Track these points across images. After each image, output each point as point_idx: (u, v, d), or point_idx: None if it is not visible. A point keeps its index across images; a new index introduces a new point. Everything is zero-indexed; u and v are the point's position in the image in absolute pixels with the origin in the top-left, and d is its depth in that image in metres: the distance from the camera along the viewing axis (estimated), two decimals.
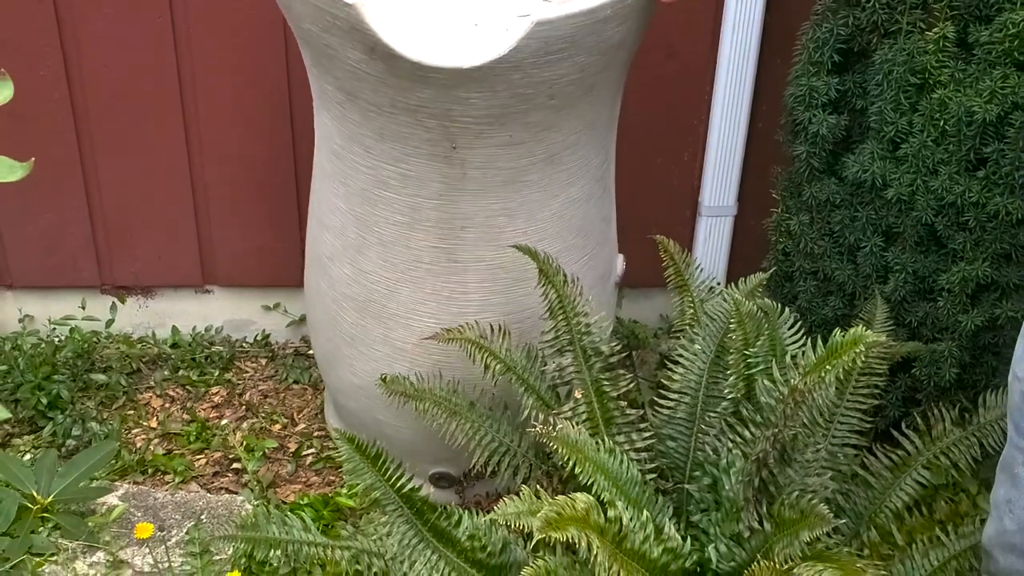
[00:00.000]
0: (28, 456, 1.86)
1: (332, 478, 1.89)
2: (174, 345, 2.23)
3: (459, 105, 1.37)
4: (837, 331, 1.13)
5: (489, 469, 1.52)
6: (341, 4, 1.29)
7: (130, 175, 2.10)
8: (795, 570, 1.09)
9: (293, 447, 1.98)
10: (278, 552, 1.34)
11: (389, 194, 1.52)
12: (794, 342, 1.34)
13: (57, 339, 2.15)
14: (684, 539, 1.26)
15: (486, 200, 1.51)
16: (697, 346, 1.40)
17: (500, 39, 1.31)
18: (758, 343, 1.29)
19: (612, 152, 1.69)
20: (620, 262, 1.84)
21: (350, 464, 1.32)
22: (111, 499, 1.71)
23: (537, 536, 1.09)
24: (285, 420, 2.05)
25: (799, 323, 1.78)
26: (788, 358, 1.27)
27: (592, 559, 1.11)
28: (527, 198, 1.53)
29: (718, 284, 2.27)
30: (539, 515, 1.10)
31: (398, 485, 1.33)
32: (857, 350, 1.08)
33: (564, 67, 1.37)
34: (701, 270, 1.60)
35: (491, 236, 1.54)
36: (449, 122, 1.40)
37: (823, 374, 1.09)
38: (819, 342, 1.18)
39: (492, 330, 1.47)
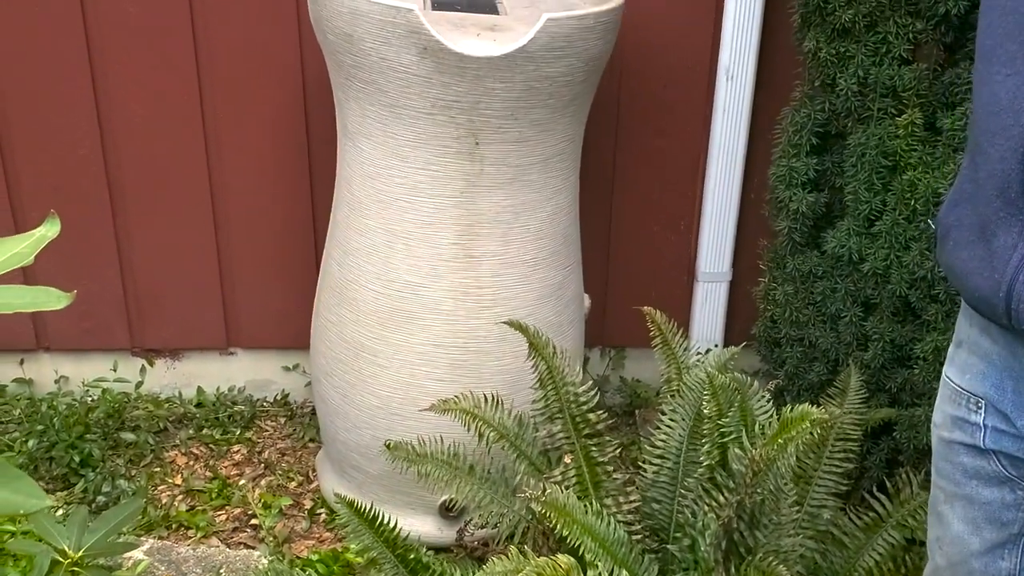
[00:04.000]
0: (61, 511, 1.99)
1: (343, 534, 2.00)
2: (199, 404, 2.36)
3: (485, 97, 1.65)
4: (787, 408, 1.23)
5: (489, 526, 1.63)
6: (403, 11, 1.58)
7: (160, 245, 2.25)
8: None
9: (308, 504, 2.09)
10: None
11: (418, 199, 1.75)
12: (764, 412, 1.43)
13: (90, 399, 2.29)
14: None
15: (497, 196, 1.77)
16: (677, 414, 1.50)
17: (520, 36, 1.62)
18: (730, 413, 1.39)
19: (578, 187, 1.95)
20: (586, 300, 2.06)
21: (349, 526, 1.43)
22: (137, 554, 1.83)
23: None
24: (301, 478, 2.17)
25: (784, 388, 1.88)
26: (757, 427, 1.36)
27: None
28: (528, 197, 1.79)
29: (715, 346, 2.39)
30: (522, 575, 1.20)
31: (395, 545, 1.44)
32: (803, 426, 1.17)
33: (561, 65, 1.67)
34: (686, 339, 1.70)
35: (500, 232, 1.79)
36: (476, 115, 1.67)
37: (776, 447, 1.19)
38: (784, 413, 1.28)
39: (486, 400, 1.58)
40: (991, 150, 0.94)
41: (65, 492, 2.06)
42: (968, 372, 1.05)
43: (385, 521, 1.46)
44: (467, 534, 1.89)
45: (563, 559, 1.27)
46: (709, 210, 2.24)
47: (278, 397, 2.41)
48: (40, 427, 2.12)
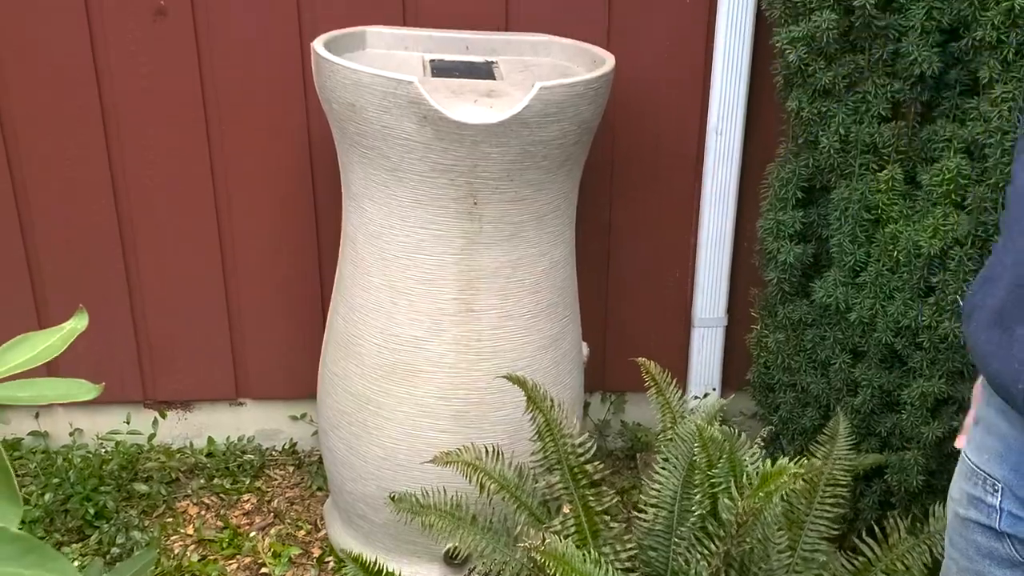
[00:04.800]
0: (76, 564, 2.04)
1: None
2: (210, 454, 2.42)
3: (483, 161, 1.73)
4: (767, 462, 1.29)
5: (493, 574, 1.68)
6: (404, 83, 1.66)
7: (172, 300, 2.32)
8: None
9: (316, 552, 2.14)
10: None
11: (420, 256, 1.83)
12: (753, 462, 1.49)
13: (104, 451, 2.35)
14: None
15: (496, 252, 1.84)
16: (671, 464, 1.56)
17: (515, 102, 1.70)
18: (719, 464, 1.45)
19: (574, 240, 2.00)
20: (585, 348, 2.13)
21: None
22: None
23: None
24: (309, 526, 2.22)
25: (779, 432, 1.93)
26: (745, 478, 1.42)
27: None
28: (525, 252, 1.87)
29: (713, 390, 2.45)
30: None
31: None
32: (781, 480, 1.23)
33: (554, 130, 1.75)
34: (680, 388, 1.76)
35: (499, 286, 1.86)
36: (474, 178, 1.75)
37: (759, 499, 1.24)
38: (768, 464, 1.34)
39: (487, 451, 1.64)
40: (1019, 238, 0.94)
41: (80, 544, 2.11)
42: (986, 452, 1.04)
43: (391, 573, 1.51)
44: None
45: None
46: (703, 259, 2.30)
47: (287, 446, 2.47)
48: (56, 480, 2.18)
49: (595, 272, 2.36)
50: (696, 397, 2.42)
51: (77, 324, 0.84)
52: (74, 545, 2.11)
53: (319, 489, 2.34)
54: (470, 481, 1.61)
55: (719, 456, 1.45)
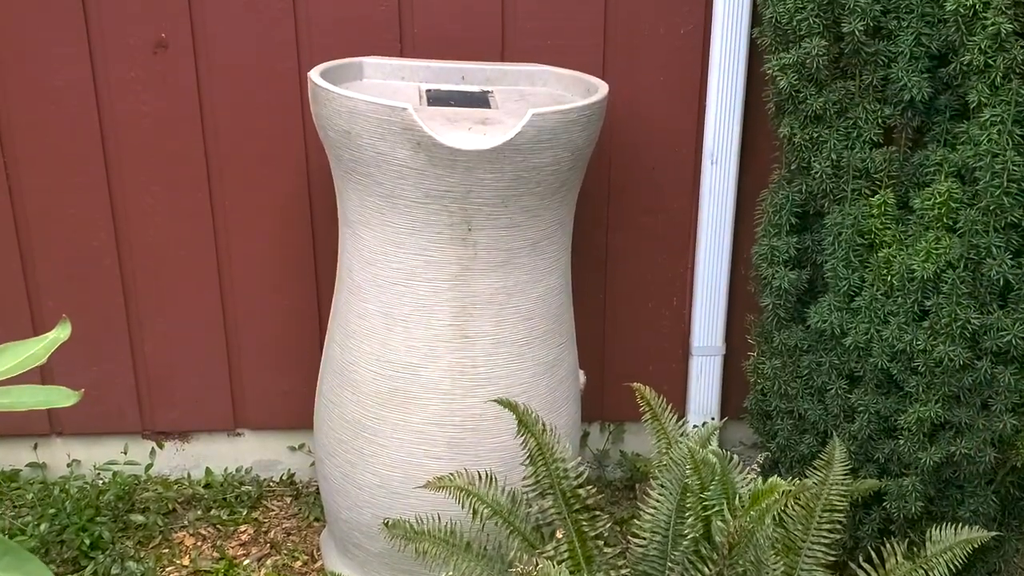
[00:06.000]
0: None
1: None
2: (207, 485, 2.41)
3: (476, 187, 1.74)
4: (758, 480, 1.28)
5: None
6: (398, 109, 1.68)
7: (170, 331, 2.33)
8: None
9: None
10: None
11: (415, 282, 1.83)
12: (747, 485, 1.48)
13: (101, 482, 2.35)
14: None
15: (491, 278, 1.84)
16: (666, 488, 1.55)
17: (508, 128, 1.72)
18: (712, 487, 1.44)
19: (569, 268, 2.01)
20: (581, 376, 2.13)
21: None
22: None
23: None
24: (306, 556, 2.21)
25: (777, 460, 1.92)
26: (738, 500, 1.41)
27: None
28: (519, 279, 1.87)
29: (711, 419, 2.44)
30: None
31: None
32: (773, 498, 1.22)
33: (548, 156, 1.76)
34: (675, 414, 1.75)
35: (493, 312, 1.86)
36: (467, 204, 1.76)
37: (750, 519, 1.23)
38: (758, 483, 1.33)
39: (480, 477, 1.63)
40: None
41: (75, 575, 2.10)
42: None
43: None
44: None
45: None
46: (700, 287, 2.31)
47: (284, 477, 2.46)
48: (52, 511, 2.18)
49: (592, 300, 2.36)
50: (696, 426, 2.41)
51: (60, 333, 0.85)
52: None
53: (316, 519, 2.33)
54: (463, 506, 1.60)
55: (712, 479, 1.44)
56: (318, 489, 2.43)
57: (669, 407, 1.77)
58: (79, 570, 2.12)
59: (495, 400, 1.63)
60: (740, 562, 1.32)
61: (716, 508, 1.41)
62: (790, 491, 1.22)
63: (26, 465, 2.40)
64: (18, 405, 0.77)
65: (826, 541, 1.65)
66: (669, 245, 2.33)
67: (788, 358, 1.97)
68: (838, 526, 1.66)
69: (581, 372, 2.13)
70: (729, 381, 2.43)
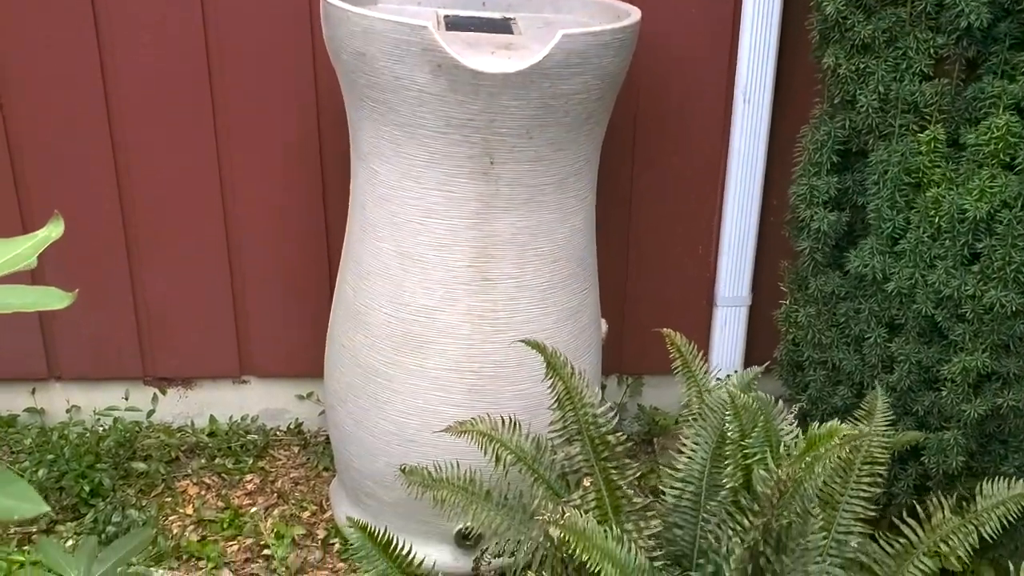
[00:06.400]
0: (71, 542, 1.95)
1: (356, 561, 1.95)
2: (211, 434, 2.32)
3: (500, 115, 1.63)
4: (814, 424, 1.19)
5: (507, 555, 1.58)
6: (417, 28, 1.56)
7: (173, 273, 2.23)
8: None
9: (321, 534, 2.05)
10: None
11: (433, 220, 1.73)
12: (789, 433, 1.39)
13: (101, 428, 2.26)
14: None
15: (513, 217, 1.74)
16: (700, 437, 1.46)
17: (534, 53, 1.60)
18: (754, 434, 1.35)
19: (594, 209, 1.90)
20: (603, 325, 2.02)
21: (362, 551, 1.39)
22: None
23: None
24: (314, 507, 2.13)
25: (808, 413, 1.83)
26: (782, 448, 1.32)
27: None
28: (544, 218, 1.77)
29: (735, 372, 2.34)
30: None
31: (410, 572, 1.40)
32: (832, 443, 1.13)
33: (577, 83, 1.65)
34: (705, 362, 1.66)
35: (515, 253, 1.76)
36: (490, 134, 1.65)
37: (804, 466, 1.14)
38: (811, 429, 1.24)
39: (503, 422, 1.54)
40: None
41: (75, 522, 2.02)
42: None
43: (400, 547, 1.42)
44: (483, 563, 1.84)
45: None
46: (728, 233, 2.21)
47: (292, 426, 2.38)
48: (50, 456, 2.09)
49: (614, 246, 2.26)
50: (718, 379, 2.31)
51: (52, 232, 0.75)
52: (69, 523, 2.02)
53: (325, 469, 2.24)
54: (485, 453, 1.51)
55: (752, 426, 1.35)
56: (327, 439, 2.34)
57: (700, 354, 1.68)
58: (79, 517, 2.03)
59: (522, 341, 1.53)
60: (785, 513, 1.23)
61: (758, 456, 1.32)
62: (855, 435, 1.13)
63: (24, 410, 2.31)
64: (5, 307, 0.67)
65: (865, 495, 1.57)
66: (697, 188, 2.22)
67: (823, 306, 1.88)
68: (878, 480, 1.57)
69: (603, 321, 2.04)
70: (754, 333, 2.33)
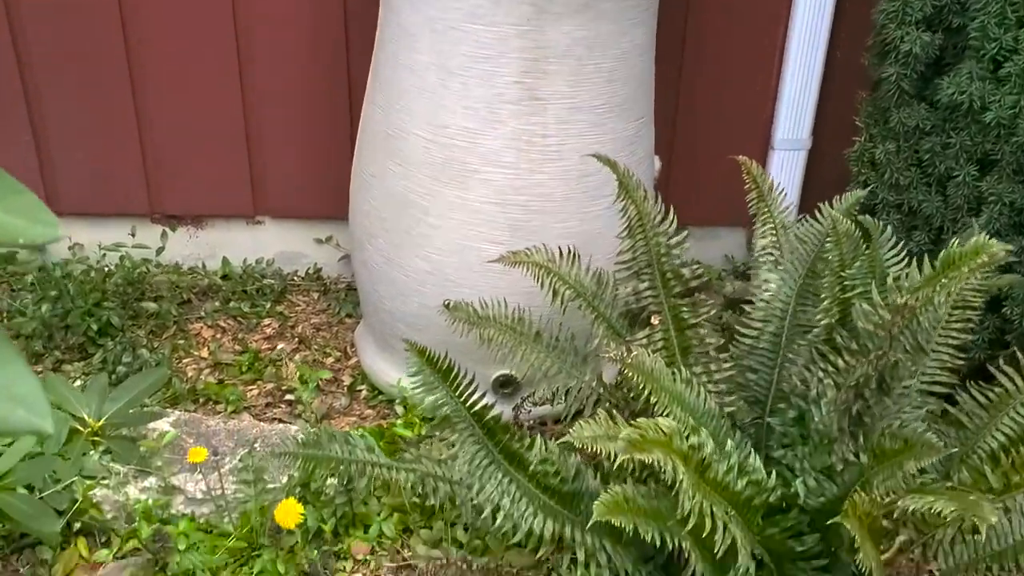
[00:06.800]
0: (78, 383, 1.82)
1: (387, 412, 1.83)
2: (225, 277, 2.17)
3: None
4: (955, 241, 1.03)
5: (555, 400, 1.45)
6: None
7: (182, 101, 2.03)
8: (900, 502, 1.00)
9: (347, 380, 1.92)
10: (341, 469, 1.26)
11: (476, 27, 1.52)
12: (895, 263, 1.23)
13: (107, 267, 2.10)
14: (768, 473, 1.18)
15: (568, 26, 1.54)
16: (784, 271, 1.31)
17: None
18: (855, 264, 1.19)
19: (655, 24, 1.71)
20: (656, 161, 1.85)
21: (419, 377, 1.25)
22: (162, 425, 1.66)
23: (620, 458, 1.02)
24: (338, 353, 2.00)
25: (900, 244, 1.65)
26: (890, 280, 1.17)
27: (677, 485, 1.04)
28: (602, 29, 1.56)
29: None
30: (622, 435, 1.02)
31: (469, 403, 1.26)
32: (976, 261, 0.98)
33: None
34: (784, 193, 1.49)
35: (569, 69, 1.56)
36: None
37: (937, 288, 0.99)
38: (926, 261, 1.08)
39: (561, 254, 1.38)
40: None
41: (83, 363, 1.89)
42: None
43: (461, 375, 1.27)
44: (523, 412, 1.72)
45: (664, 421, 1.09)
46: (791, 67, 2.01)
47: (310, 271, 2.23)
48: (53, 293, 1.94)
49: (663, 77, 2.05)
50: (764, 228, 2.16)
51: None
52: (76, 364, 1.88)
53: (348, 316, 2.10)
54: (541, 286, 1.36)
55: (854, 256, 1.19)
56: (348, 285, 2.20)
57: (778, 186, 1.51)
58: (87, 358, 1.90)
59: (594, 155, 1.36)
60: (895, 350, 1.09)
61: (859, 290, 1.17)
62: (1008, 248, 0.97)
63: (21, 246, 2.15)
64: None
65: (955, 342, 1.42)
66: (759, 14, 2.00)
67: (905, 142, 1.70)
68: (970, 326, 1.42)
69: (656, 157, 1.86)
70: (811, 180, 2.16)
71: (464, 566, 1.22)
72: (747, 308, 1.34)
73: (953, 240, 1.04)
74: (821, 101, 2.06)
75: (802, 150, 2.11)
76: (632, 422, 1.07)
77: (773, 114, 2.09)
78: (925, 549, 1.25)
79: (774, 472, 1.19)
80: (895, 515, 1.08)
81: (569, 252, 1.39)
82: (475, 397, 1.27)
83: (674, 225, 1.32)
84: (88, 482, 1.51)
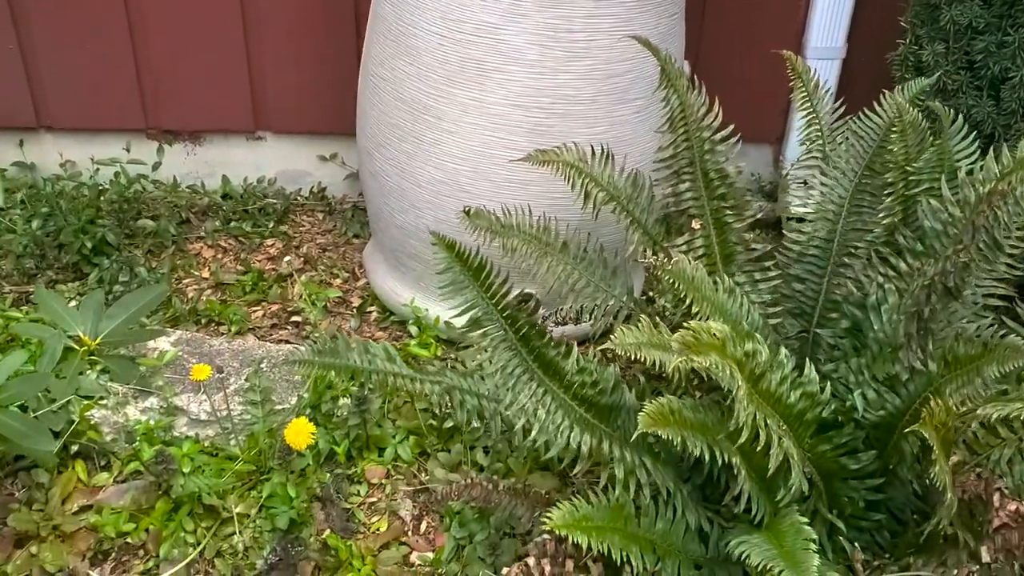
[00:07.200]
0: (74, 303, 1.72)
1: (399, 333, 1.74)
2: (225, 195, 2.06)
3: None
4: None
5: (583, 315, 1.35)
6: None
7: (177, 8, 1.90)
8: (978, 411, 0.91)
9: (356, 301, 1.82)
10: (361, 378, 1.16)
11: None
12: (966, 156, 1.13)
13: (100, 184, 1.99)
14: (823, 386, 1.09)
15: None
16: (838, 170, 1.20)
17: None
18: (922, 158, 1.09)
19: None
20: (686, 66, 1.72)
21: (449, 275, 1.15)
22: (163, 344, 1.57)
23: (675, 361, 0.92)
24: (346, 275, 1.89)
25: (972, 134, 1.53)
26: (961, 174, 1.06)
27: (733, 394, 0.94)
28: None
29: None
30: (675, 337, 0.93)
31: (502, 305, 1.16)
32: None
33: None
34: (829, 91, 1.38)
35: None
36: None
37: (1001, 191, 0.89)
38: (1004, 150, 0.98)
39: (593, 153, 1.27)
40: None
41: (78, 282, 1.78)
42: None
43: (495, 273, 1.16)
44: (546, 331, 1.62)
45: (716, 326, 0.99)
46: None
47: (314, 190, 2.12)
48: (45, 209, 1.83)
49: None
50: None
51: None
52: (71, 283, 1.78)
53: (356, 236, 2.00)
54: (572, 187, 1.25)
55: (920, 149, 1.09)
56: (354, 205, 2.09)
57: (824, 84, 1.39)
58: (82, 278, 1.80)
59: (633, 36, 1.24)
60: (971, 249, 0.99)
61: (926, 185, 1.07)
62: None
63: (11, 164, 2.03)
64: None
65: (1011, 253, 1.32)
66: None
67: (955, 42, 1.58)
68: None
69: (685, 62, 1.74)
70: (844, 91, 2.04)
71: (490, 486, 1.13)
72: (795, 210, 1.24)
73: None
74: (857, 7, 1.94)
75: (836, 59, 1.98)
76: (686, 325, 0.97)
77: (806, 21, 1.96)
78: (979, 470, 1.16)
79: (828, 384, 1.10)
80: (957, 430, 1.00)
81: (602, 151, 1.28)
82: (509, 298, 1.16)
83: (719, 119, 1.21)
84: (85, 402, 1.42)
